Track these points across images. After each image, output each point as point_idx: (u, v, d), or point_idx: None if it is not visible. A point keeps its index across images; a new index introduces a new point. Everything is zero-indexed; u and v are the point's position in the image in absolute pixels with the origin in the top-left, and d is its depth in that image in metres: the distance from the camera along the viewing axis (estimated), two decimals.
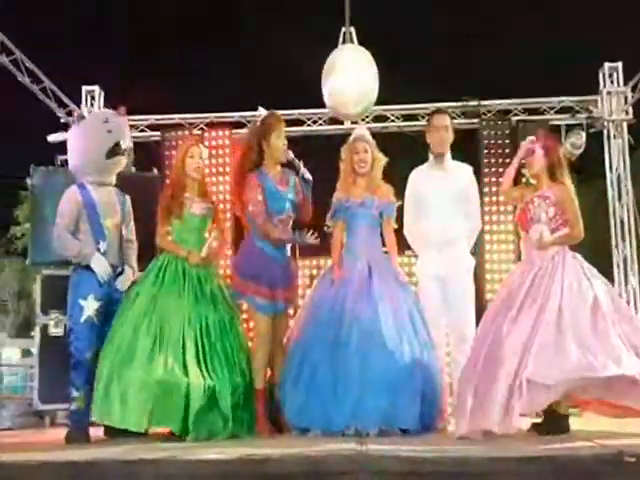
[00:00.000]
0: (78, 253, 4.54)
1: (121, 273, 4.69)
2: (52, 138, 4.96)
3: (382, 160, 4.76)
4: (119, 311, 4.49)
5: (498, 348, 3.86)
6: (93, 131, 4.76)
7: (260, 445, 3.80)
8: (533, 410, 3.98)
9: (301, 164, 4.73)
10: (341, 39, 7.28)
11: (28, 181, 6.28)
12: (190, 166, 4.73)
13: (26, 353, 25.12)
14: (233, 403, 4.30)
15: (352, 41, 7.30)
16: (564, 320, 3.88)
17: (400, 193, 4.89)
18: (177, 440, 4.13)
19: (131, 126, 7.95)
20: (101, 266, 4.55)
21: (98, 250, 4.56)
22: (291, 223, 4.69)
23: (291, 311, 4.98)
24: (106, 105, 7.92)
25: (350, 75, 6.43)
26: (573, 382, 3.71)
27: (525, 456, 3.10)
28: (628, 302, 7.35)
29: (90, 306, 4.52)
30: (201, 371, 4.26)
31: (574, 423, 4.14)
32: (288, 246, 4.70)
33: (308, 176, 4.72)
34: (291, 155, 4.69)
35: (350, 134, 4.95)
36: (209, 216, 4.79)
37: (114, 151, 4.68)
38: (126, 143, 4.76)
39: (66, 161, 5.47)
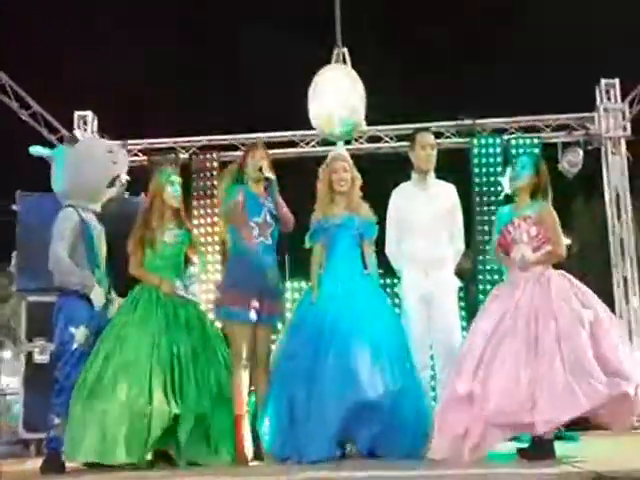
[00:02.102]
0: (79, 282, 4.46)
1: (110, 301, 4.64)
2: (34, 150, 4.83)
3: (359, 180, 4.68)
4: (97, 343, 4.42)
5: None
6: (99, 159, 4.73)
7: (233, 474, 3.70)
8: None
9: (264, 166, 4.51)
10: (334, 59, 7.27)
11: (14, 207, 6.24)
12: (170, 194, 4.69)
13: None
14: (203, 430, 4.22)
15: (345, 61, 7.29)
16: (563, 352, 3.79)
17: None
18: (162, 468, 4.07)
19: None
20: (99, 298, 4.51)
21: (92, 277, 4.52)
22: (270, 231, 4.53)
23: (280, 326, 4.86)
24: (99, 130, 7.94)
25: (333, 96, 6.37)
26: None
27: None
28: (629, 321, 7.21)
29: (82, 335, 4.45)
30: (167, 398, 4.16)
31: (568, 449, 4.03)
32: (274, 257, 4.59)
33: (269, 174, 4.50)
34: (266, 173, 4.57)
35: None
36: (184, 243, 4.73)
37: (114, 182, 4.75)
38: (126, 178, 4.80)
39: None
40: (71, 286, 4.46)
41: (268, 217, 4.55)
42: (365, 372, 4.11)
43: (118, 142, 5.12)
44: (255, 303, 4.37)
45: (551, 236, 4.17)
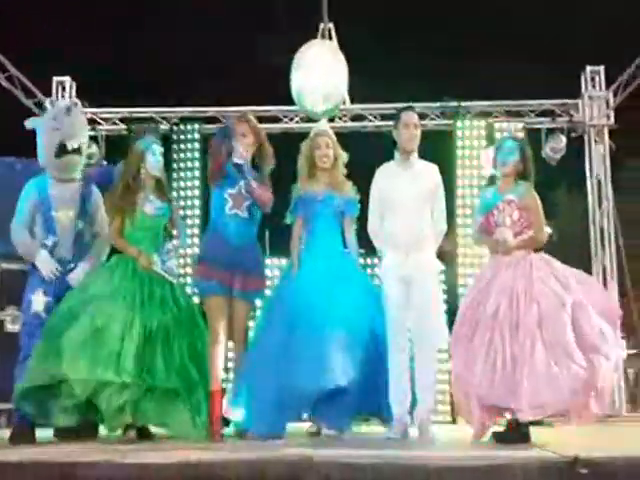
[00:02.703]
0: (24, 252, 4.54)
1: (74, 268, 4.54)
2: (29, 124, 4.83)
3: (344, 157, 4.63)
4: (63, 299, 4.37)
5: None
6: (44, 128, 4.68)
7: (207, 449, 3.65)
8: None
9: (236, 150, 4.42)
10: (319, 35, 7.16)
11: None
12: (151, 163, 4.57)
13: None
14: (175, 404, 4.20)
15: (330, 37, 7.19)
16: (544, 336, 3.82)
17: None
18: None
19: (103, 119, 7.84)
20: (45, 264, 4.47)
21: (44, 245, 4.47)
22: (246, 204, 4.44)
23: (258, 303, 4.82)
24: (77, 96, 7.78)
25: (315, 73, 6.28)
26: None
27: (473, 465, 2.95)
28: None
29: (39, 300, 4.44)
30: (138, 373, 4.12)
31: (542, 434, 4.04)
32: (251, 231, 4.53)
33: (237, 160, 4.40)
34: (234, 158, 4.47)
35: None
36: (164, 215, 4.62)
37: (61, 150, 4.58)
38: (73, 143, 4.60)
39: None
40: (22, 255, 4.57)
41: (243, 190, 4.46)
42: (335, 355, 4.10)
43: (68, 103, 4.86)
44: (230, 277, 4.32)
45: (533, 221, 4.16)
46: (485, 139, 7.21)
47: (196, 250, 6.57)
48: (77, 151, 4.62)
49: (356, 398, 4.20)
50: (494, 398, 3.82)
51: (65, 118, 4.66)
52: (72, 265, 4.54)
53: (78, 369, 4.03)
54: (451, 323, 4.40)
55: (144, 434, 4.33)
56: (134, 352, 4.15)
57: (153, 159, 4.58)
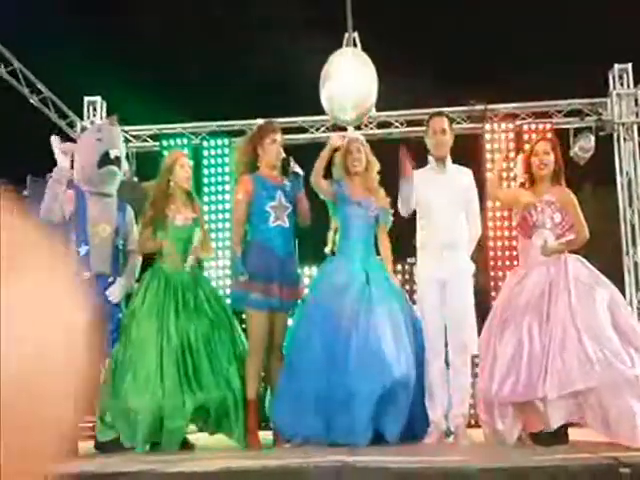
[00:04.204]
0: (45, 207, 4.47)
1: (112, 283, 4.62)
2: (56, 144, 4.78)
3: (377, 165, 4.67)
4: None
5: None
6: (85, 141, 4.77)
7: (245, 457, 3.69)
8: None
9: (292, 160, 4.54)
10: (344, 44, 7.22)
11: (24, 192, 6.26)
12: (180, 176, 4.66)
13: None
14: (219, 415, 4.26)
15: (355, 45, 7.24)
16: (576, 321, 3.78)
17: None
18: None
19: (134, 136, 7.97)
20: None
21: (78, 253, 4.51)
22: (287, 213, 4.50)
23: None
24: (108, 116, 7.90)
25: (345, 80, 6.35)
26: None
27: (515, 466, 2.96)
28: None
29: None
30: (181, 388, 4.20)
31: (575, 434, 3.99)
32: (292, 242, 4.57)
33: (298, 170, 4.51)
34: (282, 155, 4.57)
35: None
36: (195, 226, 4.68)
37: (104, 160, 4.62)
38: (116, 152, 4.68)
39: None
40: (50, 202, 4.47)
41: (283, 199, 4.51)
42: (391, 354, 4.12)
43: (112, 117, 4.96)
44: (274, 290, 4.35)
45: (575, 222, 4.15)
46: (514, 141, 7.17)
47: (227, 262, 6.63)
48: (118, 161, 4.69)
49: (407, 402, 4.19)
50: (519, 394, 3.78)
51: (109, 129, 4.77)
52: (111, 279, 4.62)
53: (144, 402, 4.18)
54: (480, 327, 4.41)
55: (182, 444, 4.38)
56: (175, 369, 4.25)
57: (181, 172, 4.66)
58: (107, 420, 4.27)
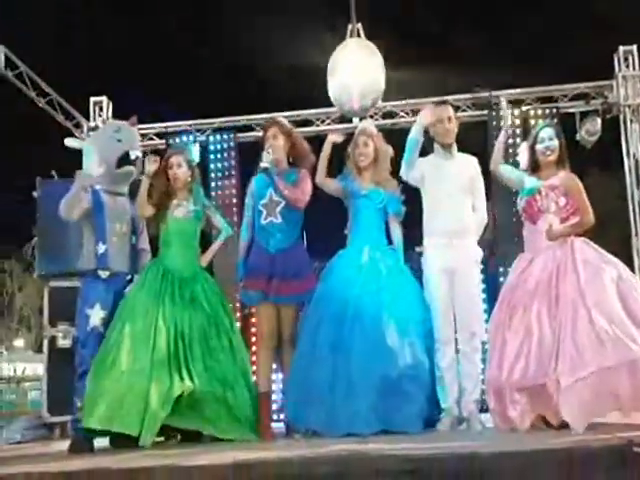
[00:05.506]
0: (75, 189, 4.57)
1: (131, 281, 4.68)
2: (69, 142, 4.93)
3: (388, 152, 4.67)
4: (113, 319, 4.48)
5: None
6: (105, 141, 4.79)
7: (258, 448, 3.71)
8: None
9: (263, 155, 4.52)
10: (348, 35, 7.20)
11: (34, 193, 6.30)
12: (171, 175, 4.72)
13: None
14: (214, 407, 4.29)
15: (359, 36, 7.23)
16: (587, 301, 3.76)
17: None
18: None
19: (140, 135, 7.97)
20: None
21: (96, 252, 4.53)
22: (279, 209, 4.52)
23: None
24: (114, 115, 7.93)
25: (352, 71, 6.34)
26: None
27: (529, 450, 2.95)
28: None
29: (96, 315, 4.50)
30: (170, 375, 4.21)
31: None
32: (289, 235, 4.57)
33: (263, 164, 4.51)
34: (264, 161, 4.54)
35: None
36: (196, 219, 4.75)
37: (124, 159, 4.70)
38: (136, 153, 4.73)
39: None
40: (72, 199, 4.56)
41: (274, 195, 4.53)
42: (396, 346, 4.12)
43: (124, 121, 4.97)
44: (274, 286, 4.39)
45: (579, 206, 4.14)
46: (519, 127, 7.14)
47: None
48: (135, 162, 4.75)
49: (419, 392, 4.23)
50: (530, 378, 3.78)
51: (129, 130, 4.82)
52: (129, 277, 4.68)
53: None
54: (489, 313, 4.41)
55: (189, 437, 4.41)
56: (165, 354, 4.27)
57: (171, 172, 4.72)
58: (96, 403, 4.21)
